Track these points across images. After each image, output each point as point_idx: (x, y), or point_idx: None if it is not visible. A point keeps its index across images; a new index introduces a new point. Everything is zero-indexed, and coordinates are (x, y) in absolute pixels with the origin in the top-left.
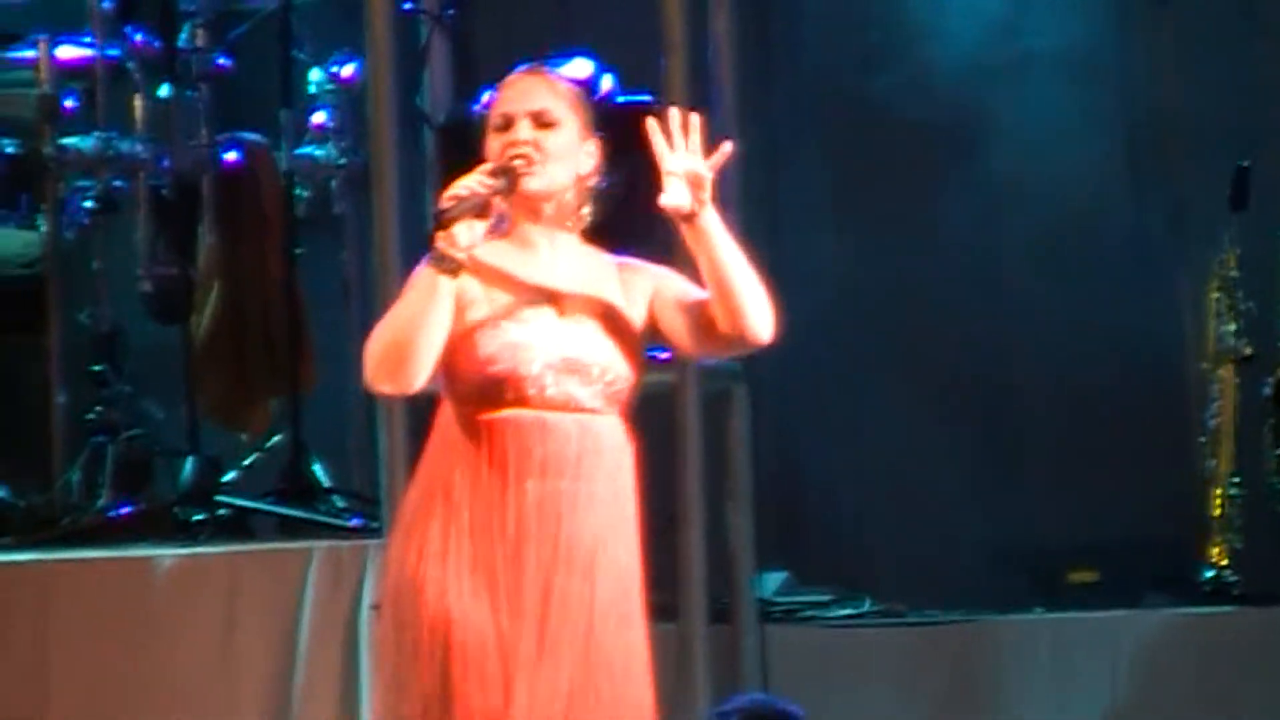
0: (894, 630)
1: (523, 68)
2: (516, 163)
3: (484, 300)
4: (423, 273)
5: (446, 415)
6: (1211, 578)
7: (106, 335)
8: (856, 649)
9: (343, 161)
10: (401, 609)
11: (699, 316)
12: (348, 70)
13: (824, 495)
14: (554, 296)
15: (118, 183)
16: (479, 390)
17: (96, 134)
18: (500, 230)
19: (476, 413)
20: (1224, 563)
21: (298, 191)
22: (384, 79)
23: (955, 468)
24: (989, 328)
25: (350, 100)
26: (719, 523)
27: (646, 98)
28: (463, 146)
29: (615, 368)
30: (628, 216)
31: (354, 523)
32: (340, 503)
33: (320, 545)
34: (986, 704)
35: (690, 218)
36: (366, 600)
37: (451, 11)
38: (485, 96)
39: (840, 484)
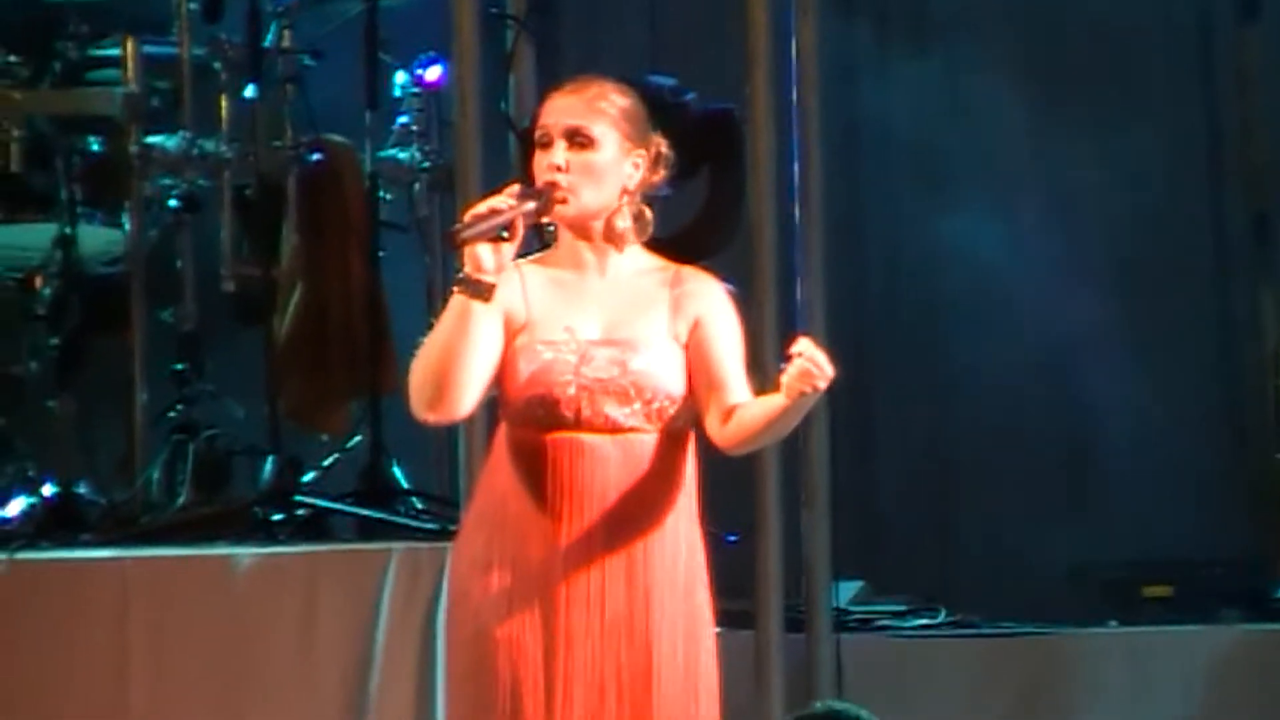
0: (968, 642)
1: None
2: (552, 187)
3: (527, 321)
4: (454, 299)
5: (502, 430)
6: None
7: (189, 334)
8: (931, 660)
9: (426, 165)
10: (451, 619)
11: (715, 398)
12: (433, 73)
13: (901, 505)
14: (594, 317)
15: (202, 182)
16: (520, 412)
17: (182, 133)
18: (546, 245)
19: (521, 432)
20: None
21: (381, 194)
22: (469, 83)
23: (1032, 481)
24: (1064, 341)
25: (435, 103)
26: (795, 531)
27: (728, 106)
28: None
29: (655, 386)
30: (700, 225)
31: (432, 525)
32: (419, 505)
33: (398, 547)
34: (1059, 718)
35: (806, 395)
36: (443, 602)
37: (538, 16)
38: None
39: (917, 494)
